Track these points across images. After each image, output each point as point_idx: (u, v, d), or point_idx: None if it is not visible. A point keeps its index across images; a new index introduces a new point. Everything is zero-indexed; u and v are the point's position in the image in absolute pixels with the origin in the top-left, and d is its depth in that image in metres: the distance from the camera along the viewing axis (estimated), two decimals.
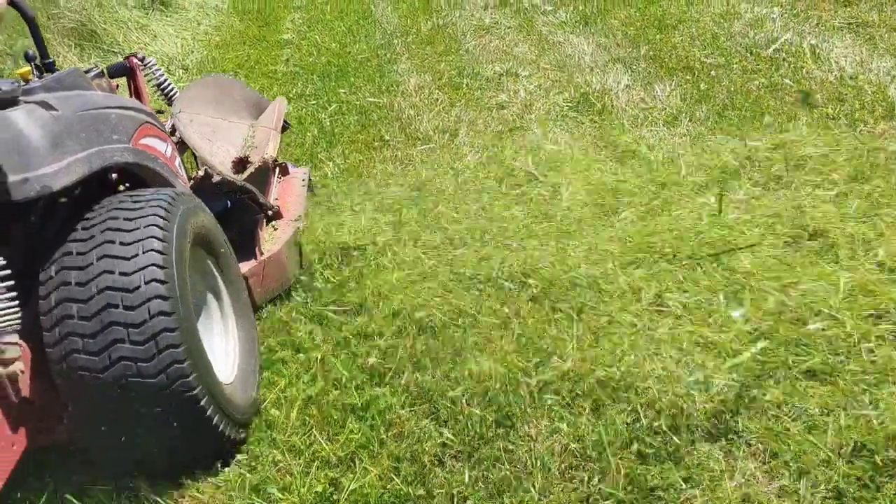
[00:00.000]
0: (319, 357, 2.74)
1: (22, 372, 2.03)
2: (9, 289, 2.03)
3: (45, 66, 2.82)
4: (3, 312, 2.01)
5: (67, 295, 2.06)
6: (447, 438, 2.30)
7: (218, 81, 3.98)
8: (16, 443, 2.07)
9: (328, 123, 4.96)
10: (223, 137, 3.45)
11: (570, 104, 4.63)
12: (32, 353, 2.08)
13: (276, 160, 3.48)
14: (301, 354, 2.79)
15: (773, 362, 2.40)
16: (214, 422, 2.18)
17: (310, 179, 3.84)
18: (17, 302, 2.04)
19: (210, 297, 2.60)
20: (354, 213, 3.60)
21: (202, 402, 2.12)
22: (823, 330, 2.47)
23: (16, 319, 2.03)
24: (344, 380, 2.62)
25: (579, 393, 2.40)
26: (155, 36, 7.16)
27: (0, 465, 1.99)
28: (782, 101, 4.07)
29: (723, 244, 2.96)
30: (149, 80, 3.55)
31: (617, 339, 2.61)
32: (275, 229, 3.29)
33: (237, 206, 3.15)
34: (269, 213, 3.28)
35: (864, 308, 2.52)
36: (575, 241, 3.15)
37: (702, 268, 2.89)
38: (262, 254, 3.08)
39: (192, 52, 7.14)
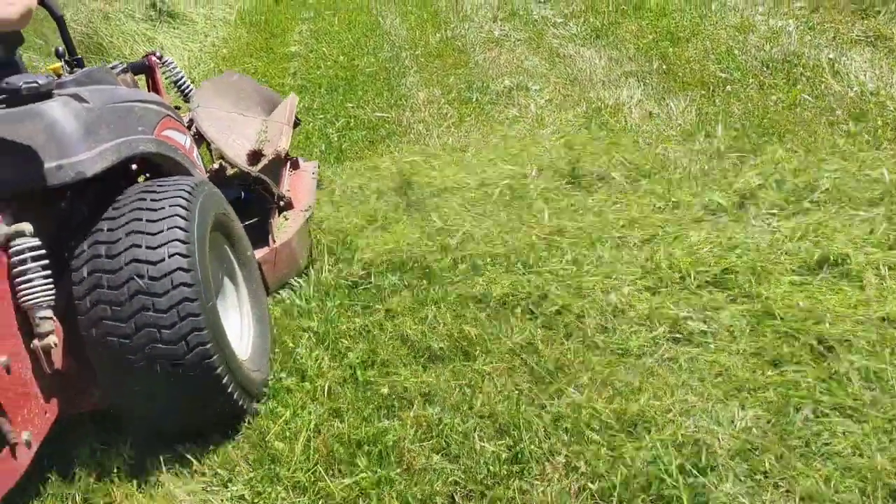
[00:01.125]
0: (326, 386, 2.65)
1: (55, 345, 2.19)
2: (43, 268, 2.19)
3: (75, 62, 2.96)
4: (38, 290, 2.17)
5: (98, 266, 2.23)
6: (458, 477, 2.19)
7: (233, 78, 4.14)
8: (48, 411, 2.22)
9: (336, 139, 4.87)
10: (238, 131, 3.61)
11: (582, 120, 4.53)
12: (63, 330, 2.25)
13: (287, 153, 3.63)
14: (307, 383, 2.70)
15: (800, 396, 2.30)
16: (230, 389, 2.34)
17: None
18: (51, 281, 2.20)
19: (227, 280, 2.77)
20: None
21: (219, 369, 2.28)
22: (853, 363, 2.36)
23: (50, 297, 2.19)
24: (351, 411, 2.52)
25: (596, 427, 2.29)
26: (162, 48, 7.09)
27: (34, 432, 2.12)
28: (802, 118, 3.95)
29: (743, 269, 2.85)
30: (166, 78, 3.68)
31: (634, 370, 2.52)
32: (286, 219, 3.43)
33: (251, 196, 3.34)
34: (282, 203, 3.44)
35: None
36: (590, 263, 3.05)
37: (722, 294, 2.78)
38: (274, 241, 3.23)
39: (200, 63, 7.08)
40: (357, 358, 2.76)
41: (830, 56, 4.78)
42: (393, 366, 2.69)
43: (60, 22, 3.06)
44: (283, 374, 2.77)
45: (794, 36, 5.27)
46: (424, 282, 3.14)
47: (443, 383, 2.57)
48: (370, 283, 3.20)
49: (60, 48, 2.98)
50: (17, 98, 2.21)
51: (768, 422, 2.23)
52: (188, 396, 2.30)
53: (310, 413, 2.55)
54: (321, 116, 5.38)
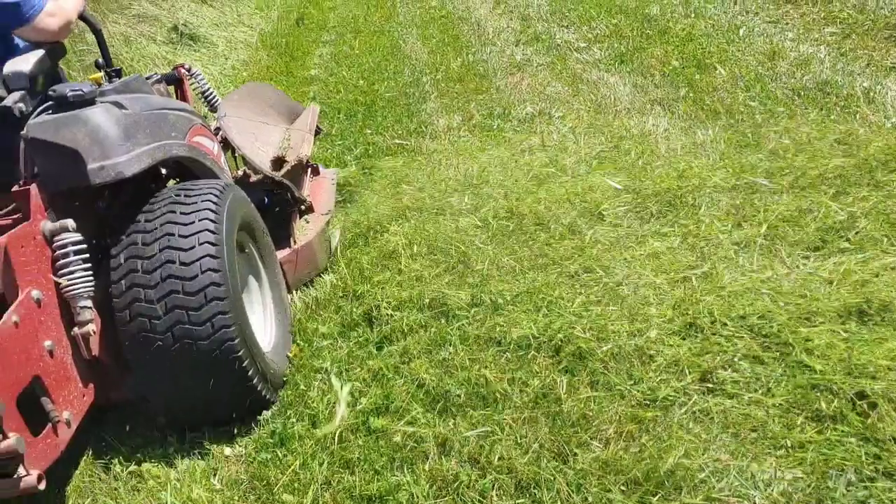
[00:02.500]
0: (337, 434, 2.53)
1: (94, 333, 2.37)
2: (84, 261, 2.38)
3: (113, 73, 3.16)
4: (80, 281, 2.35)
5: (134, 253, 2.45)
6: None
7: (258, 89, 4.41)
8: (86, 395, 2.41)
9: (354, 167, 4.78)
10: (262, 139, 3.82)
11: (607, 149, 4.39)
12: (100, 323, 2.42)
13: (308, 160, 3.84)
14: (317, 430, 2.58)
15: (842, 457, 2.14)
16: (251, 373, 2.50)
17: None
18: (91, 273, 2.39)
19: (251, 278, 2.96)
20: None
21: (241, 352, 2.44)
22: None
23: (90, 288, 2.38)
24: (363, 462, 2.40)
25: (623, 488, 2.15)
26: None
27: (73, 412, 2.30)
28: (837, 151, 3.79)
29: (778, 314, 2.69)
30: (194, 89, 3.87)
31: (663, 422, 2.37)
32: (307, 222, 3.66)
33: (274, 201, 3.56)
34: (303, 206, 3.66)
35: None
36: (615, 305, 2.91)
37: (755, 340, 2.63)
38: (295, 243, 3.46)
39: (220, 86, 7.05)
40: (370, 403, 2.64)
41: (865, 85, 4.62)
42: (407, 413, 2.57)
43: (99, 35, 3.24)
44: (293, 419, 2.67)
45: (826, 63, 5.11)
46: (442, 320, 3.03)
47: (459, 433, 2.44)
48: (385, 318, 3.09)
49: (100, 60, 3.18)
50: (63, 104, 2.42)
51: (808, 485, 2.07)
52: (212, 378, 2.44)
53: (320, 463, 2.44)
54: (339, 143, 5.30)
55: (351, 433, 2.54)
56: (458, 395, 2.61)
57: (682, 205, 3.53)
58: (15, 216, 2.42)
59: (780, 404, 2.37)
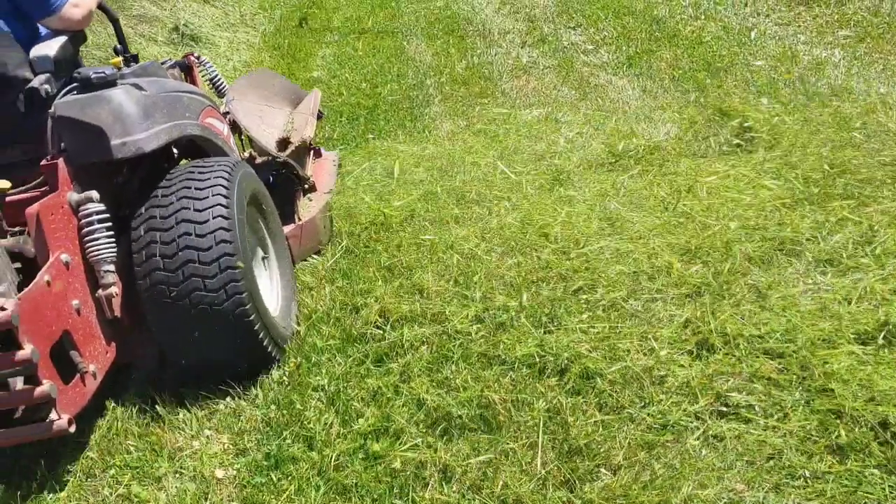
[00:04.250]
0: (333, 457, 2.43)
1: (116, 295, 2.60)
2: (108, 228, 2.60)
3: (131, 58, 3.33)
4: (103, 247, 2.57)
5: (153, 226, 2.67)
6: None
7: (263, 75, 4.69)
8: (108, 351, 2.64)
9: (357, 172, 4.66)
10: (268, 122, 4.03)
11: (615, 156, 4.27)
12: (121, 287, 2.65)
13: (311, 142, 4.05)
14: (314, 453, 2.48)
15: (867, 491, 2.03)
16: (261, 334, 2.73)
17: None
18: (114, 240, 2.61)
19: (259, 249, 3.16)
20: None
21: (252, 315, 2.67)
22: None
23: (113, 253, 2.60)
24: (360, 489, 2.30)
25: None
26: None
27: (98, 366, 2.54)
28: (853, 162, 3.67)
29: (795, 334, 2.58)
30: (203, 76, 4.04)
31: (675, 449, 2.26)
32: (310, 200, 3.86)
33: (279, 180, 3.74)
34: (306, 185, 3.86)
35: None
36: (624, 322, 2.80)
37: (772, 363, 2.52)
38: (300, 219, 3.67)
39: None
40: (369, 425, 2.54)
41: (882, 91, 4.49)
42: (407, 435, 2.46)
43: (116, 23, 3.41)
44: (289, 440, 2.56)
45: (841, 67, 4.99)
46: (444, 336, 2.92)
47: (461, 459, 2.34)
48: (385, 333, 2.98)
49: (119, 46, 3.37)
50: (88, 85, 2.64)
51: None
52: (225, 337, 2.67)
53: (316, 489, 2.33)
54: (341, 146, 5.19)
55: (348, 457, 2.43)
56: (460, 417, 2.50)
57: (692, 217, 3.41)
58: (42, 189, 2.63)
59: (798, 431, 2.26)
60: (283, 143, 3.85)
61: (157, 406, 2.79)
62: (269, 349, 2.82)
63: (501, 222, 3.63)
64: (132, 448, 2.63)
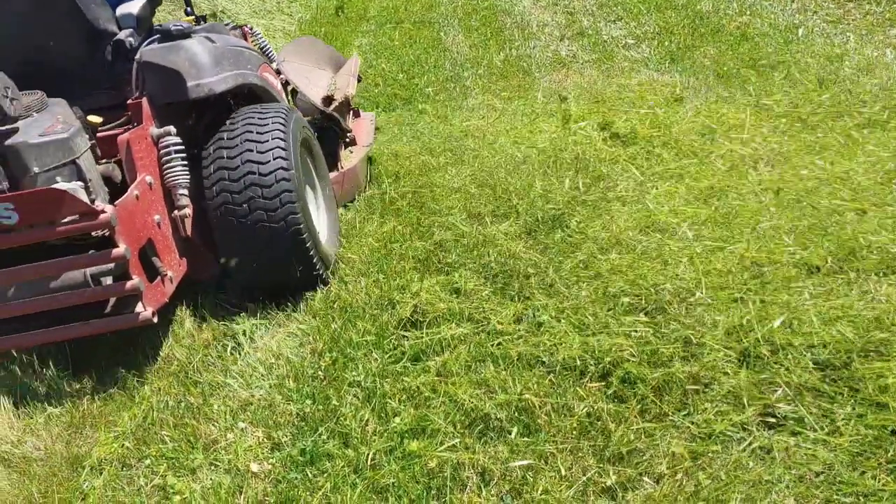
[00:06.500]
0: (370, 455, 2.40)
1: (188, 216, 3.09)
2: (183, 159, 3.10)
3: (200, 18, 4.13)
4: (179, 174, 3.07)
5: (222, 165, 3.13)
6: None
7: (309, 41, 5.35)
8: (181, 265, 3.12)
9: (393, 167, 4.63)
10: (314, 81, 4.59)
11: (668, 160, 4.17)
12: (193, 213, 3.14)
13: (350, 101, 4.62)
14: (350, 450, 2.45)
15: None
16: (312, 253, 3.21)
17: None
18: (188, 168, 3.11)
19: (308, 189, 3.55)
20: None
21: (307, 239, 3.16)
22: None
23: (187, 179, 3.10)
24: (397, 490, 2.26)
25: None
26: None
27: (174, 274, 3.02)
28: None
29: (847, 345, 2.49)
30: (254, 44, 4.52)
31: (720, 460, 2.20)
32: (350, 152, 4.43)
33: (323, 135, 4.16)
34: (347, 139, 4.43)
35: None
36: (667, 328, 2.73)
37: (821, 373, 2.43)
38: (342, 167, 4.22)
39: None
40: (405, 424, 2.50)
41: None
42: (444, 436, 2.42)
43: None
44: (325, 436, 2.53)
45: (894, 67, 4.83)
46: (482, 335, 2.87)
47: (500, 462, 2.29)
48: (422, 331, 2.94)
49: (189, 8, 4.21)
50: (168, 36, 3.14)
51: None
52: (283, 257, 3.14)
53: (352, 487, 2.30)
54: (378, 138, 5.15)
55: (384, 455, 2.40)
56: (499, 420, 2.46)
57: (738, 220, 3.32)
58: (126, 127, 3.09)
59: (850, 446, 2.18)
60: (328, 100, 4.36)
61: (189, 397, 2.78)
62: (318, 267, 3.25)
63: (540, 219, 3.57)
64: (167, 438, 2.63)
